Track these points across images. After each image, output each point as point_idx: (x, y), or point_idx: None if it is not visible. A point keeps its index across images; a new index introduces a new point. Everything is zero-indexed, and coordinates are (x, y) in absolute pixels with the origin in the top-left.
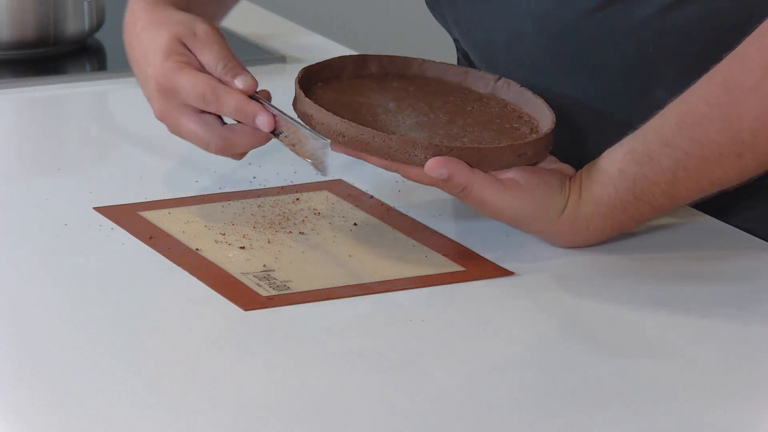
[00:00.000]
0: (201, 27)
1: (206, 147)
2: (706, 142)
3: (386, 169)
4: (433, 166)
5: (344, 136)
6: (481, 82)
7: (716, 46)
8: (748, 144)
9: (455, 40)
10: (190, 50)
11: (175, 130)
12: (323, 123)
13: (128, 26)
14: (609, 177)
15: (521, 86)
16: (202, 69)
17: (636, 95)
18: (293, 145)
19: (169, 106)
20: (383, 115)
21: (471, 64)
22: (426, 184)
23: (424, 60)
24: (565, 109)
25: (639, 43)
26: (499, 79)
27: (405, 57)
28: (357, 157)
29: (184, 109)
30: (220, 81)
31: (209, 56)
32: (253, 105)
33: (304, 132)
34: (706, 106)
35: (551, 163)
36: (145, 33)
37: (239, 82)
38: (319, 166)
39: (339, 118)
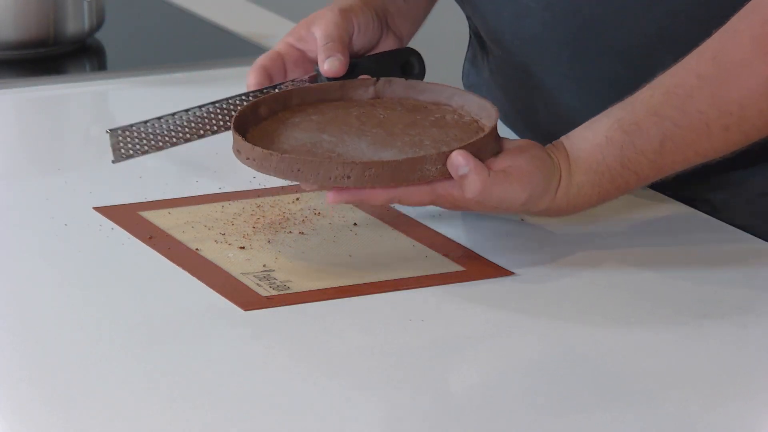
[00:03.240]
0: (335, 10)
1: None
2: (695, 114)
3: (389, 202)
4: (458, 159)
5: (349, 177)
6: (361, 88)
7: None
8: (735, 117)
9: (468, 18)
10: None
11: None
12: (318, 173)
13: None
14: (596, 144)
15: (406, 80)
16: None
17: (637, 78)
18: None
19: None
20: (338, 147)
21: (482, 42)
22: (428, 204)
23: (299, 87)
24: (564, 88)
25: (641, 23)
26: (377, 80)
27: (284, 91)
28: (358, 201)
29: None
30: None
31: (319, 33)
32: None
33: None
34: (696, 79)
35: (512, 140)
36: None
37: (326, 64)
38: None
39: (338, 160)
